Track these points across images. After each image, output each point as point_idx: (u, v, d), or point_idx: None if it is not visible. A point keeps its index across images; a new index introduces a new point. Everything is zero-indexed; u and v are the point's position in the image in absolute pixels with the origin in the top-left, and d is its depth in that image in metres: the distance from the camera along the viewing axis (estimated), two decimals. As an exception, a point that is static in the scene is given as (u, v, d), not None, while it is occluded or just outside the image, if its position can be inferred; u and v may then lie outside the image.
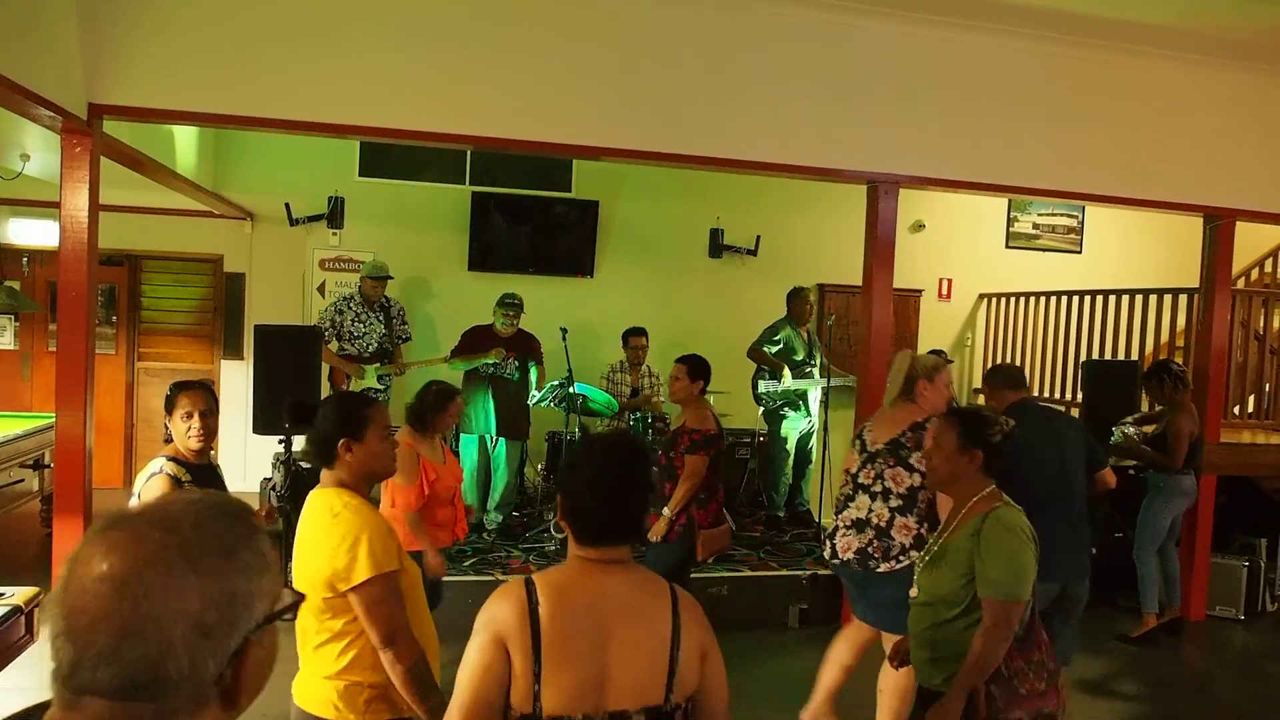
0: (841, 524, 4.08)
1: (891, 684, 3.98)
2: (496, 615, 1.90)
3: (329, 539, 2.42)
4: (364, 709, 2.46)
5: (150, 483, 3.24)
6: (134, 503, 3.19)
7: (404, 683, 2.40)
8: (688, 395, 4.82)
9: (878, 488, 4.00)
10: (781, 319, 7.82)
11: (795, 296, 7.83)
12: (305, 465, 6.13)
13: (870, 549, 3.95)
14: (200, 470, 3.37)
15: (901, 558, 3.89)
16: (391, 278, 7.42)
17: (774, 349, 7.60)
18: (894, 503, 3.95)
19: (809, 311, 7.77)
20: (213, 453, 3.55)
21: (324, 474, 2.59)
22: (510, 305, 7.08)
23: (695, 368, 4.84)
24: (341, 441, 2.53)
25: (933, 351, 8.28)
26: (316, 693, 2.49)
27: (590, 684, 1.86)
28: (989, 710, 2.76)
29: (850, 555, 3.99)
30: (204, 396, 3.40)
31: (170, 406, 3.38)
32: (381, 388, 7.19)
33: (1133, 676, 5.49)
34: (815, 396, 7.75)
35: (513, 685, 1.86)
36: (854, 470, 4.12)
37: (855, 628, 4.23)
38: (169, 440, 3.44)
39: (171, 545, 0.97)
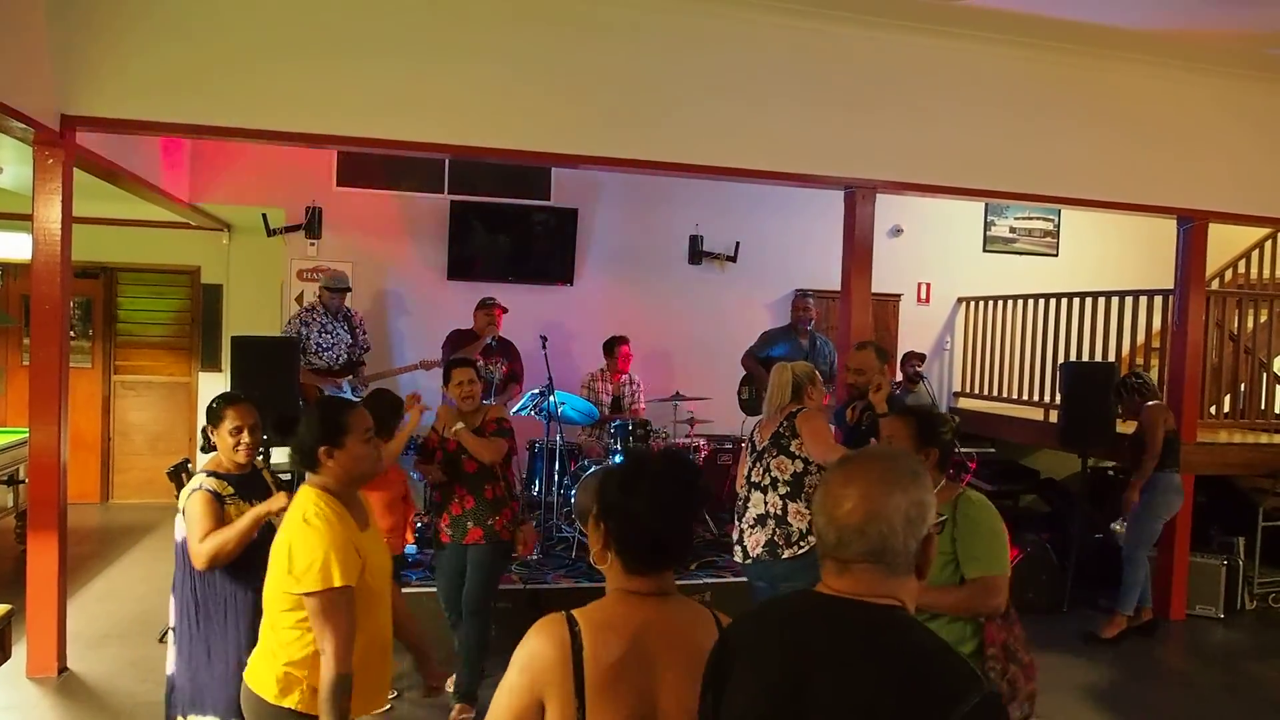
0: (745, 525, 4.28)
1: None
2: (536, 653, 1.79)
3: (294, 541, 2.49)
4: (307, 698, 2.54)
5: (192, 498, 3.23)
6: (178, 519, 3.27)
7: (324, 692, 2.47)
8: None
9: (766, 480, 4.25)
10: (781, 326, 7.81)
11: (791, 303, 7.80)
12: (284, 476, 6.09)
13: (775, 538, 4.16)
14: (244, 480, 3.36)
15: (802, 543, 4.11)
16: (350, 289, 7.37)
17: (765, 355, 7.52)
18: (782, 490, 4.19)
19: (803, 317, 7.57)
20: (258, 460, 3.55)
21: (309, 475, 2.65)
22: (493, 305, 7.09)
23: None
24: (322, 449, 2.58)
25: (910, 353, 8.36)
26: (270, 675, 2.57)
27: None
28: (1013, 689, 2.83)
29: (760, 550, 4.19)
30: (251, 410, 3.39)
31: (216, 419, 3.35)
32: (356, 400, 7.14)
33: (1114, 676, 5.51)
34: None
35: None
36: (746, 472, 4.37)
37: None
38: (204, 449, 3.43)
39: (886, 471, 1.55)
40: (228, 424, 3.32)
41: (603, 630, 1.78)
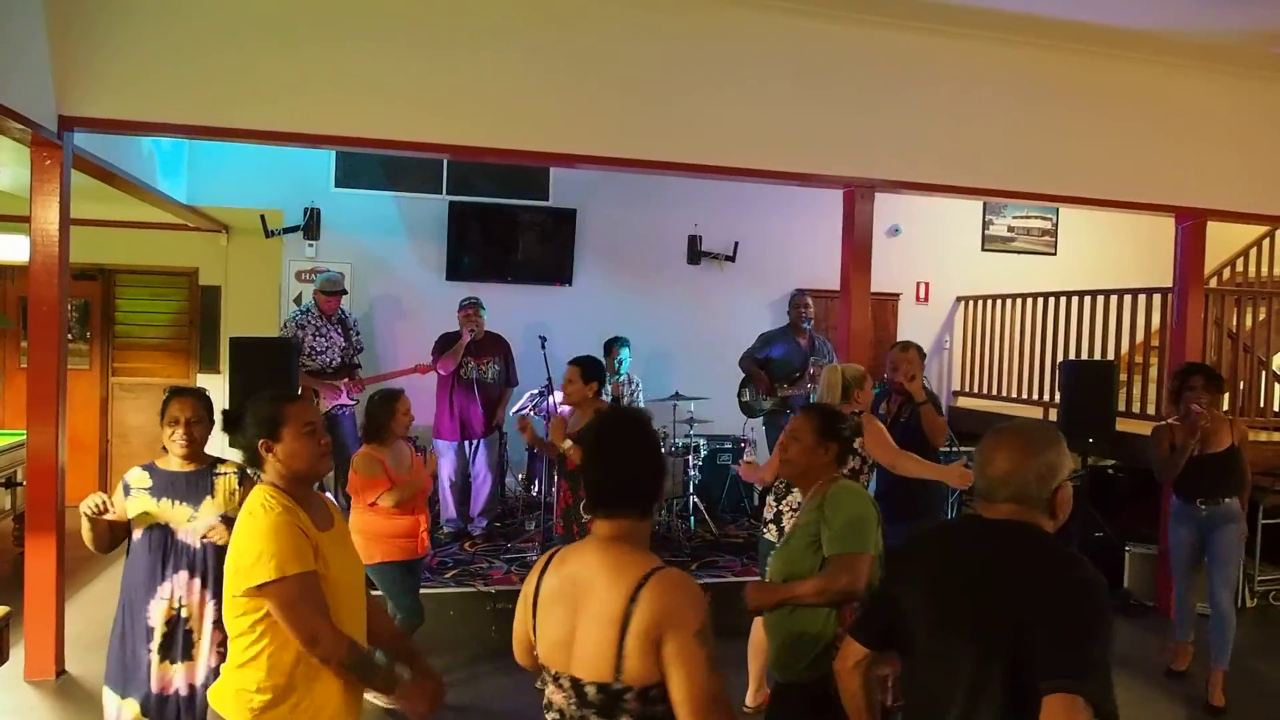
0: (786, 508, 4.33)
1: (761, 639, 4.25)
2: (529, 576, 2.21)
3: (243, 537, 2.42)
4: (255, 713, 2.41)
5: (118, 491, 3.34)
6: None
7: (341, 675, 2.41)
8: (583, 397, 4.91)
9: None
10: (779, 327, 7.78)
11: (788, 302, 7.75)
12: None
13: None
14: (181, 478, 3.36)
15: None
16: (346, 291, 7.36)
17: (764, 356, 7.50)
18: None
19: (803, 315, 7.53)
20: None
21: (261, 475, 2.63)
22: (471, 305, 7.09)
23: (588, 369, 4.93)
24: (261, 442, 2.54)
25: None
26: (240, 697, 2.44)
27: (560, 646, 2.06)
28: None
29: None
30: (192, 404, 3.41)
31: (162, 411, 3.41)
32: (351, 402, 7.12)
33: (1114, 675, 5.50)
34: None
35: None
36: None
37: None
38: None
39: (1024, 439, 2.11)
40: (167, 415, 3.38)
41: (558, 563, 2.15)
